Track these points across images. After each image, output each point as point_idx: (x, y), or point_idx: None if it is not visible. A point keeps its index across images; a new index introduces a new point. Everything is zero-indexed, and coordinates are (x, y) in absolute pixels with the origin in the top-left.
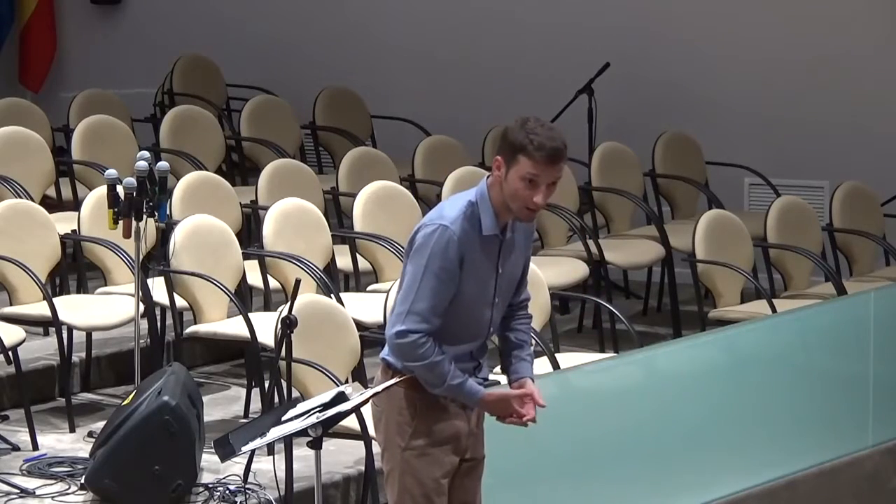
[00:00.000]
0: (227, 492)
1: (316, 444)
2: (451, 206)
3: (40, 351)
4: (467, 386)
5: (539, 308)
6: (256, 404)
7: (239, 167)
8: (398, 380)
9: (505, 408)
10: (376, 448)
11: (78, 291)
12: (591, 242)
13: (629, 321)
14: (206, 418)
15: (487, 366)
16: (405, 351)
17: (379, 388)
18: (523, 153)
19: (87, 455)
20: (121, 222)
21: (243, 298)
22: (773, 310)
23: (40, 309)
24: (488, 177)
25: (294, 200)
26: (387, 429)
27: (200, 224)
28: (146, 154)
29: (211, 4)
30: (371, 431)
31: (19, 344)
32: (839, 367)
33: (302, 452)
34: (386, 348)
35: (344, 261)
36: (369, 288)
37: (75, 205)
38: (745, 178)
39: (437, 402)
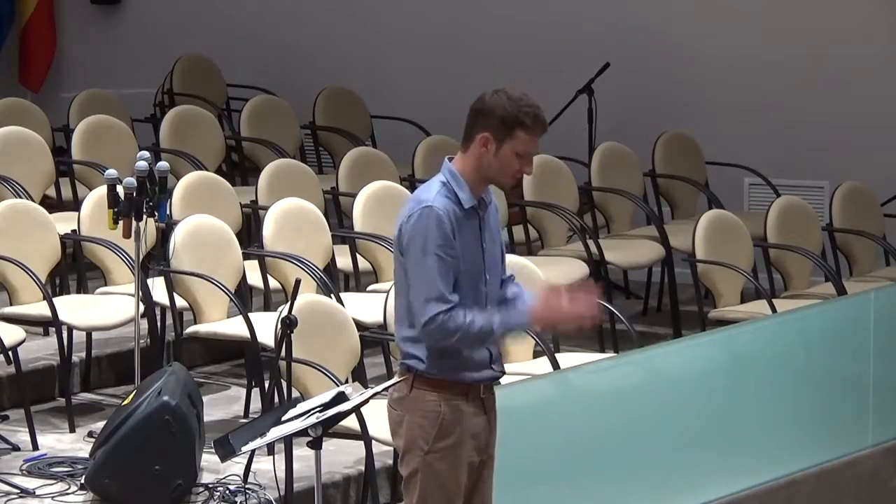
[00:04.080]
0: (227, 492)
1: (316, 444)
2: (425, 191)
3: (40, 351)
4: (512, 317)
5: None
6: (256, 404)
7: (239, 167)
8: (398, 380)
9: (554, 308)
10: (377, 448)
11: (78, 291)
12: (591, 242)
13: (629, 321)
14: (206, 418)
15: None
16: (439, 335)
17: (378, 388)
18: (521, 128)
19: (87, 455)
20: (121, 222)
21: (243, 298)
22: (773, 310)
23: (40, 309)
24: (450, 158)
25: (294, 200)
26: (408, 433)
27: (200, 224)
28: (146, 154)
29: (211, 4)
30: (371, 432)
31: (19, 344)
32: (839, 367)
33: (302, 452)
34: (404, 355)
35: (344, 261)
36: (369, 288)
37: (75, 205)
38: (745, 178)
39: (458, 404)
